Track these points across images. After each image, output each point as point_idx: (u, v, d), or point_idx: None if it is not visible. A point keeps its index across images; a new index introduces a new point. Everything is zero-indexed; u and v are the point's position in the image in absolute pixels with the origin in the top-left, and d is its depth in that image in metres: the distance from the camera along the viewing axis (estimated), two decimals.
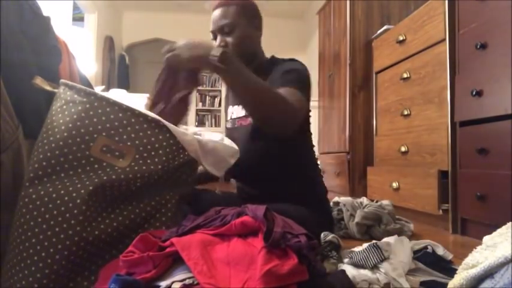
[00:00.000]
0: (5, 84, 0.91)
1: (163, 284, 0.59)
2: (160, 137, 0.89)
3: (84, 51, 4.28)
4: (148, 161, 0.87)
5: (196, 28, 5.62)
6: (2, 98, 0.89)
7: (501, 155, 1.36)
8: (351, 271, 0.83)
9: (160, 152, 0.88)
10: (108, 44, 4.84)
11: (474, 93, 1.48)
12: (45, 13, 1.23)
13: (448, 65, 1.71)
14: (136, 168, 0.85)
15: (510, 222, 0.65)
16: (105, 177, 0.82)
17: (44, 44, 1.20)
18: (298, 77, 1.06)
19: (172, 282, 0.59)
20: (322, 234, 1.03)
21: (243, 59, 1.04)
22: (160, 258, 0.63)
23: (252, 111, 0.97)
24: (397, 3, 2.74)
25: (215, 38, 1.15)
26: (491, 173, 1.41)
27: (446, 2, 1.73)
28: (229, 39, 1.12)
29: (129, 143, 0.86)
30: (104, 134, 0.84)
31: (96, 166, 0.83)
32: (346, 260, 0.90)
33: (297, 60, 1.17)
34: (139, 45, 5.87)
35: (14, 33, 1.04)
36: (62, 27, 3.44)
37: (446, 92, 1.73)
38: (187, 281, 0.59)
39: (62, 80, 0.92)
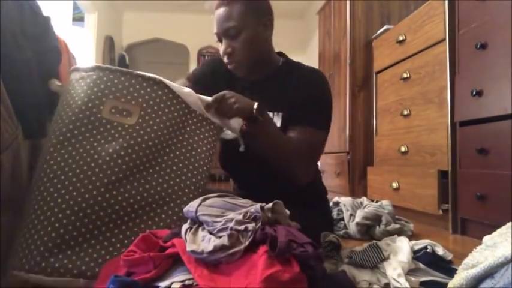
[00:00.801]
0: (5, 84, 0.91)
1: (162, 284, 0.59)
2: (160, 92, 0.97)
3: (84, 51, 4.28)
4: (153, 115, 0.95)
5: (196, 28, 5.64)
6: (2, 98, 0.89)
7: (501, 155, 1.36)
8: (351, 271, 0.83)
9: (162, 105, 0.97)
10: (108, 44, 4.84)
11: (474, 93, 1.48)
12: (45, 13, 1.22)
13: (448, 65, 1.71)
14: (144, 124, 0.93)
15: (510, 222, 0.65)
16: (117, 136, 0.90)
17: (44, 44, 1.20)
18: (320, 108, 1.04)
19: (172, 283, 0.59)
20: (322, 234, 1.03)
21: (254, 66, 1.05)
22: (161, 258, 0.63)
23: (270, 161, 1.01)
24: (397, 3, 2.74)
25: (220, 41, 1.05)
26: (491, 173, 1.41)
27: (446, 2, 1.73)
28: (235, 45, 1.01)
29: (133, 102, 0.94)
30: (111, 96, 0.94)
31: (108, 127, 0.92)
32: (346, 260, 0.90)
33: (316, 73, 1.10)
34: (139, 45, 5.87)
35: (14, 33, 1.04)
36: (62, 27, 3.43)
37: (446, 92, 1.73)
38: (186, 282, 0.59)
39: (73, 68, 1.01)
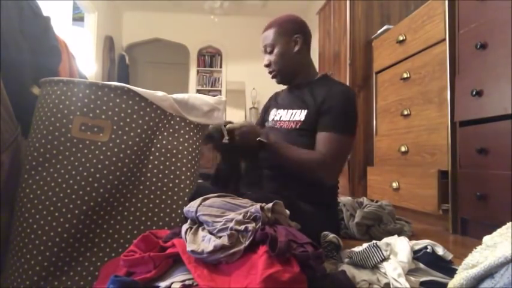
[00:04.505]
0: (5, 84, 0.91)
1: (162, 284, 0.59)
2: (130, 102, 0.90)
3: (84, 51, 4.28)
4: (126, 129, 0.88)
5: (196, 28, 5.64)
6: (2, 98, 0.89)
7: (501, 155, 1.36)
8: (351, 271, 0.83)
9: (135, 116, 0.90)
10: (108, 44, 4.84)
11: (474, 93, 1.48)
12: (45, 13, 1.22)
13: (448, 65, 1.71)
14: (118, 140, 0.87)
15: (510, 222, 0.64)
16: (91, 157, 0.85)
17: (44, 44, 1.20)
18: (345, 116, 1.18)
19: (172, 283, 0.59)
20: (322, 234, 1.03)
21: (287, 74, 1.31)
22: (161, 258, 0.63)
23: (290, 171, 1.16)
24: (397, 3, 2.74)
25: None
26: (491, 173, 1.41)
27: (446, 2, 1.73)
28: (271, 58, 1.30)
29: (103, 117, 0.88)
30: (78, 113, 0.87)
31: (80, 146, 0.86)
32: (346, 260, 0.90)
33: (345, 87, 1.29)
34: (139, 45, 5.86)
35: (13, 34, 1.04)
36: (62, 27, 3.43)
37: (446, 92, 1.73)
38: (186, 282, 0.59)
39: (41, 81, 0.94)
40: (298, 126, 1.22)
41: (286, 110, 1.31)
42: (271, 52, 1.30)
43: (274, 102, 1.43)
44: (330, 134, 1.16)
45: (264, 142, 1.12)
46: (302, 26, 1.33)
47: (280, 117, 1.31)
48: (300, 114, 1.24)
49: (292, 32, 1.29)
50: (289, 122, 1.26)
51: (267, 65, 1.32)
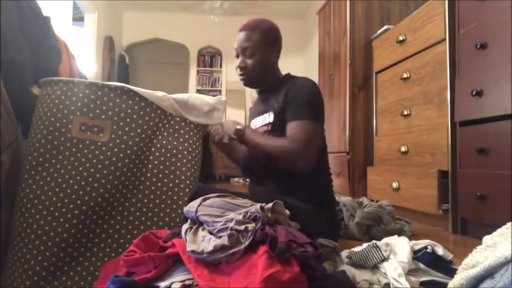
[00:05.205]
0: (5, 84, 0.91)
1: (162, 284, 0.59)
2: (130, 102, 0.90)
3: (84, 51, 4.28)
4: (126, 129, 0.89)
5: (196, 28, 5.64)
6: (2, 99, 0.89)
7: (501, 155, 1.36)
8: (351, 271, 0.83)
9: (135, 116, 0.90)
10: (108, 44, 4.84)
11: (474, 93, 1.48)
12: (45, 13, 1.22)
13: (448, 65, 1.71)
14: (118, 140, 0.87)
15: (510, 222, 0.64)
16: (91, 157, 0.85)
17: (44, 44, 1.20)
18: (309, 104, 1.18)
19: (172, 283, 0.59)
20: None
21: (258, 79, 1.30)
22: (161, 258, 0.63)
23: (269, 160, 1.16)
24: (397, 3, 2.74)
25: (237, 57, 1.30)
26: (491, 173, 1.41)
27: (446, 2, 1.73)
28: (249, 61, 1.26)
29: (103, 117, 0.88)
30: (78, 113, 0.87)
31: (80, 146, 0.86)
32: (346, 260, 0.90)
33: (306, 79, 1.28)
34: (139, 45, 5.86)
35: (13, 34, 1.04)
36: (62, 27, 3.43)
37: (446, 92, 1.73)
38: (186, 282, 0.59)
39: (41, 81, 0.94)
40: (270, 128, 1.24)
41: (259, 117, 1.33)
42: (250, 56, 1.25)
43: (252, 114, 1.46)
44: (297, 122, 1.15)
45: (242, 129, 1.16)
46: (279, 35, 1.33)
47: (256, 125, 1.34)
48: (270, 116, 1.26)
49: (274, 42, 1.30)
50: (262, 127, 1.29)
51: (242, 67, 1.27)
